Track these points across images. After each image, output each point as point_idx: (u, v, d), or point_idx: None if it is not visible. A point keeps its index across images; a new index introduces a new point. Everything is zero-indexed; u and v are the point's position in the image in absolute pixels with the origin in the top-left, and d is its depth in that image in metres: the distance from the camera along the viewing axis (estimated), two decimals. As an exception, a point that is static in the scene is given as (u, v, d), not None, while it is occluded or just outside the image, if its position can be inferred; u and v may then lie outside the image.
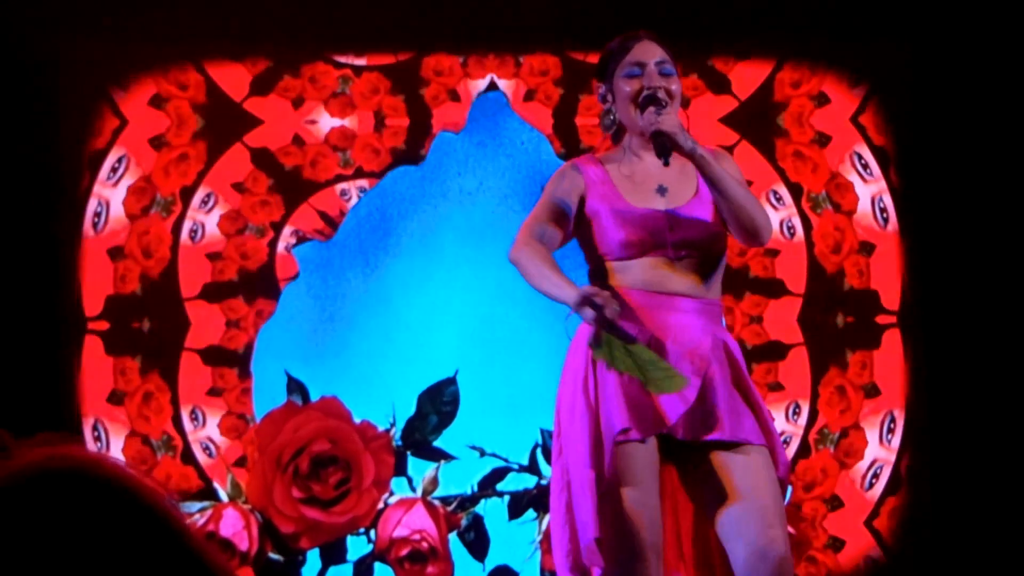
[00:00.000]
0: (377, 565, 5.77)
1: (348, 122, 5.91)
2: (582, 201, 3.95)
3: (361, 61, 5.93)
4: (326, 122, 5.91)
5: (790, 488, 3.94)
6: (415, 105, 5.92)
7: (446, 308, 5.84)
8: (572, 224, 3.95)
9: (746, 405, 3.83)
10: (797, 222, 5.99)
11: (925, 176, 5.97)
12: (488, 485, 5.81)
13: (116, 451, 5.78)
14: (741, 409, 3.81)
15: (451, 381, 5.82)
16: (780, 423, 5.84)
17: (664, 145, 3.77)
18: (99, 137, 5.81)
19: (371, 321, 5.84)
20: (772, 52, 5.99)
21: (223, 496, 5.75)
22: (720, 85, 5.98)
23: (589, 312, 3.64)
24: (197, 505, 5.73)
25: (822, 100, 6.00)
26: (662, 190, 3.93)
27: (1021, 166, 5.88)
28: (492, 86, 5.96)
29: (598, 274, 3.95)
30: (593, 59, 5.88)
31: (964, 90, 5.91)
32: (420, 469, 5.81)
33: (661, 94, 3.87)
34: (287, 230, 5.87)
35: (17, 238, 5.70)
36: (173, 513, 1.23)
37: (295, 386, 5.81)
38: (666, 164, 3.80)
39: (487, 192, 5.90)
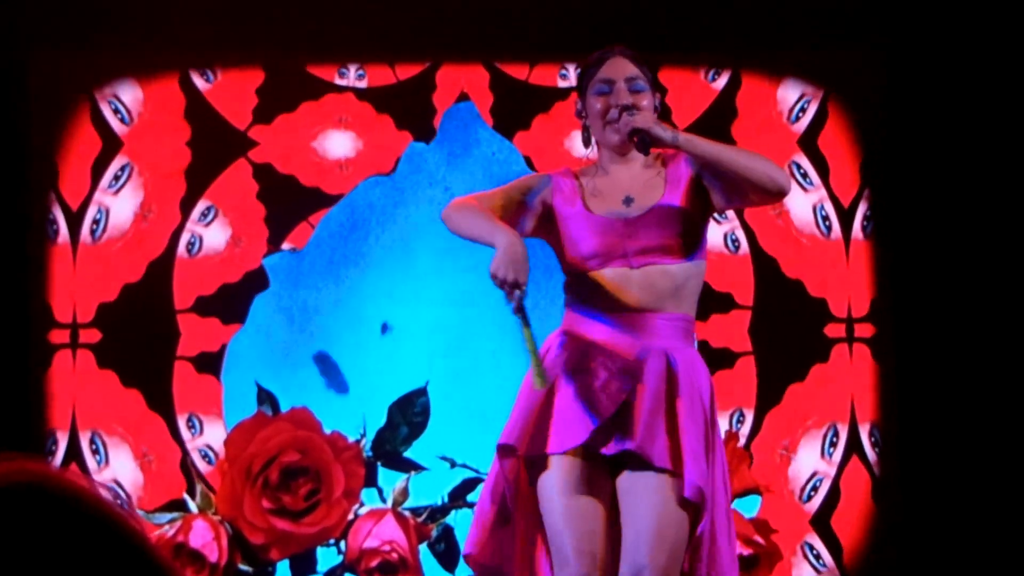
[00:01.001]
0: (347, 576, 5.77)
1: (352, 139, 5.92)
2: (548, 206, 3.95)
3: (362, 84, 5.93)
4: (332, 139, 5.91)
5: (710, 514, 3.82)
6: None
7: (417, 318, 5.83)
8: (527, 218, 3.94)
9: (667, 426, 3.76)
10: (741, 234, 6.00)
11: (892, 183, 5.99)
12: (459, 496, 5.81)
13: (116, 464, 5.76)
14: (658, 430, 3.75)
15: (422, 392, 5.82)
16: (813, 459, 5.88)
17: (644, 141, 3.78)
18: (98, 145, 5.80)
19: (341, 332, 5.84)
20: (724, 62, 6.01)
21: (192, 507, 5.74)
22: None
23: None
24: (167, 516, 5.71)
25: (760, 109, 6.02)
26: (628, 200, 3.92)
27: (988, 171, 5.91)
28: (463, 96, 5.97)
29: (571, 288, 3.96)
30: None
31: (923, 96, 5.94)
32: (390, 480, 5.81)
33: (633, 112, 3.89)
34: (286, 246, 5.88)
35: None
36: (134, 528, 1.23)
37: (265, 396, 5.80)
38: (645, 155, 3.83)
39: (458, 203, 5.90)
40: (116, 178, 5.84)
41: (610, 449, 3.75)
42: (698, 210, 3.91)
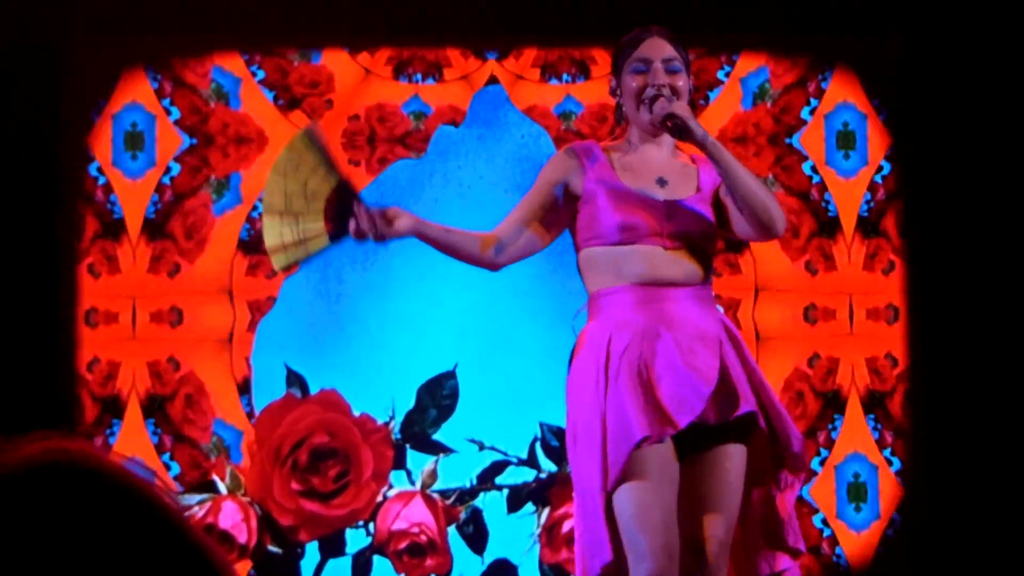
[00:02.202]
0: (376, 558, 5.77)
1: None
2: (570, 186, 3.94)
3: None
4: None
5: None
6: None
7: (446, 301, 5.83)
8: (549, 212, 3.95)
9: (752, 387, 3.83)
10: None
11: (918, 172, 5.97)
12: (487, 478, 5.81)
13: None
14: (751, 392, 3.81)
15: (450, 374, 5.82)
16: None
17: (677, 127, 3.79)
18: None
19: (371, 314, 5.84)
20: (740, 45, 5.99)
21: (222, 488, 5.75)
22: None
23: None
24: (196, 497, 5.73)
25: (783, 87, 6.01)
26: (662, 182, 3.92)
27: (1013, 158, 5.88)
28: (492, 80, 5.96)
29: (581, 277, 3.95)
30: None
31: (948, 83, 5.91)
32: (419, 462, 5.82)
33: (666, 92, 3.88)
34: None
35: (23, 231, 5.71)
36: (171, 506, 1.23)
37: (294, 379, 5.81)
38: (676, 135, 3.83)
39: (487, 186, 5.90)
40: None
41: (718, 417, 3.75)
42: (717, 217, 3.95)
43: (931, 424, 5.91)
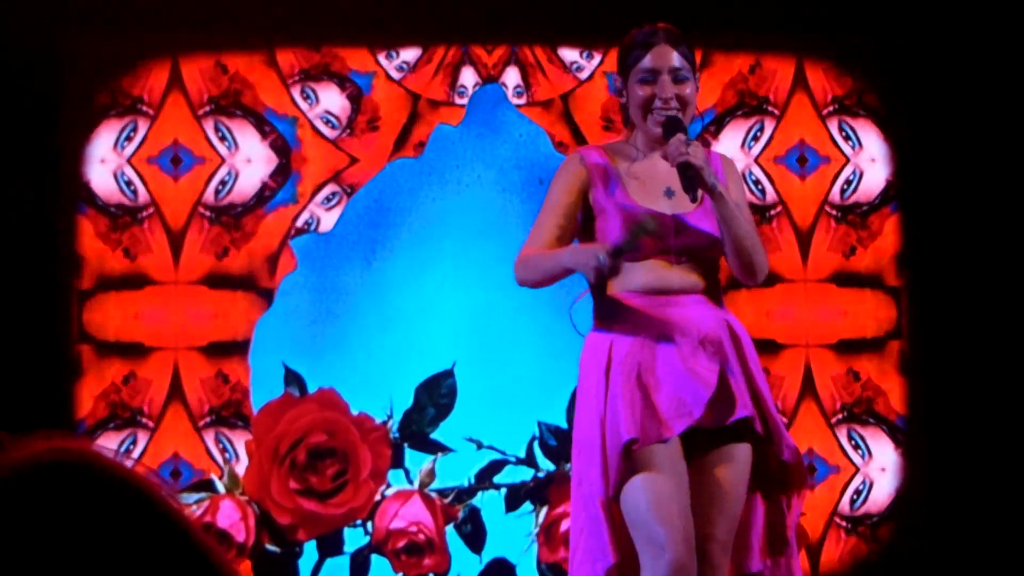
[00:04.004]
0: (374, 557, 5.78)
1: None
2: (585, 195, 3.95)
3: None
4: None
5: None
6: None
7: (444, 301, 5.84)
8: (576, 226, 3.96)
9: (751, 392, 3.85)
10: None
11: (922, 164, 5.98)
12: (485, 477, 5.82)
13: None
14: (749, 396, 3.83)
15: (448, 373, 5.83)
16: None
17: (690, 177, 3.78)
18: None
19: (369, 313, 5.85)
20: (746, 44, 6.00)
21: (220, 488, 5.76)
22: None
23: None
24: (194, 496, 5.73)
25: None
26: (669, 193, 3.94)
27: (1011, 159, 5.89)
28: (490, 79, 5.96)
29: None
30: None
31: (952, 83, 5.92)
32: (417, 461, 5.82)
33: (673, 104, 3.87)
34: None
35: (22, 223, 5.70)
36: (172, 505, 1.24)
37: (292, 378, 5.81)
38: (693, 200, 3.80)
39: (485, 185, 5.90)
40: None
41: (714, 421, 3.77)
42: None
43: (928, 426, 5.92)
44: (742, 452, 3.83)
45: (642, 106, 3.91)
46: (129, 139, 5.82)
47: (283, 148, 5.86)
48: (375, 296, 5.86)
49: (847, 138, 6.02)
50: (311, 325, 5.84)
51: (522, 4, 5.93)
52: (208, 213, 5.83)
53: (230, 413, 5.80)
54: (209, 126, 5.84)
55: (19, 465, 1.19)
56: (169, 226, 5.81)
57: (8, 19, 5.67)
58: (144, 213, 5.82)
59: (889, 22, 5.97)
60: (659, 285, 3.86)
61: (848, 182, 6.01)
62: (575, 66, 5.95)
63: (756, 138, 6.00)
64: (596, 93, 5.94)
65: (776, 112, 6.01)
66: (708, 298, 3.91)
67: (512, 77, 5.95)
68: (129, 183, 5.81)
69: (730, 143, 5.95)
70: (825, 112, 6.02)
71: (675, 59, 3.92)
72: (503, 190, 5.89)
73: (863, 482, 5.93)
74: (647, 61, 3.92)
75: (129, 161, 5.81)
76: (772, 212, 5.99)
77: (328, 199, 5.87)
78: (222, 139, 5.84)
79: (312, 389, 5.80)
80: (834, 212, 6.01)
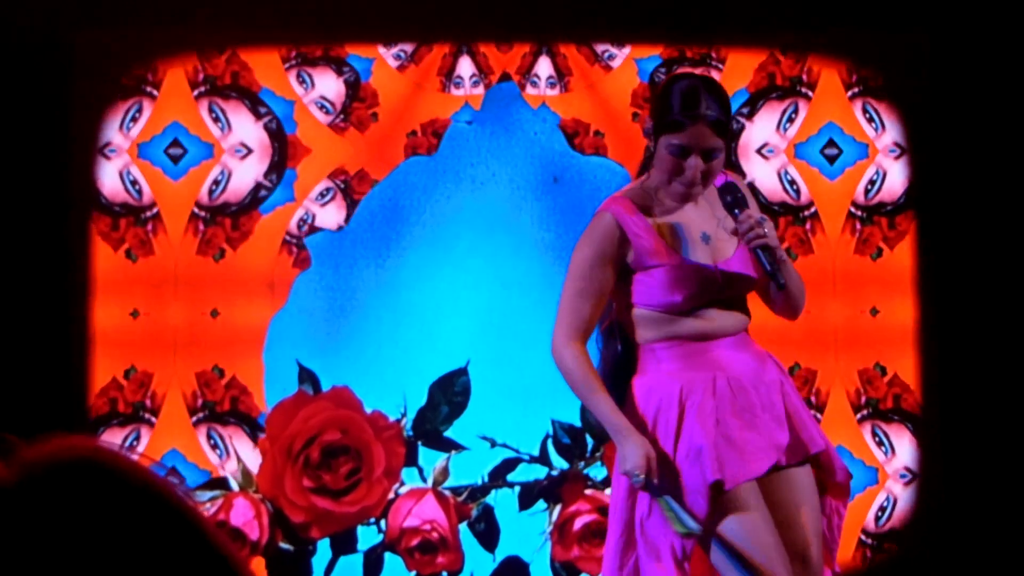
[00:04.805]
0: (387, 555, 5.78)
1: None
2: (620, 258, 3.92)
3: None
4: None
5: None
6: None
7: (458, 298, 5.83)
8: (610, 292, 3.96)
9: (807, 423, 3.97)
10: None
11: (935, 165, 5.96)
12: (499, 476, 5.81)
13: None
14: (812, 428, 3.97)
15: (462, 371, 5.82)
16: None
17: (768, 261, 3.83)
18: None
19: (382, 311, 5.84)
20: (760, 42, 5.98)
21: (234, 485, 5.76)
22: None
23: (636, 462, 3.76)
24: (208, 494, 5.73)
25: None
26: (706, 238, 3.95)
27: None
28: (505, 76, 5.95)
29: (624, 326, 3.98)
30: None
31: (966, 81, 5.90)
32: (431, 459, 5.82)
33: (699, 181, 3.87)
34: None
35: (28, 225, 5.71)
36: (188, 504, 1.23)
37: (306, 376, 5.81)
38: (779, 287, 3.88)
39: (500, 182, 5.90)
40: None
41: (793, 457, 3.88)
42: None
43: (942, 430, 5.91)
44: (808, 476, 3.94)
45: (669, 172, 3.87)
46: (134, 120, 5.82)
47: (277, 131, 5.85)
48: (389, 294, 5.85)
49: (870, 120, 5.99)
50: (325, 323, 5.84)
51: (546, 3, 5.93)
52: (203, 213, 5.82)
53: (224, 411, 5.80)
54: (204, 107, 5.84)
55: (33, 468, 1.19)
56: (167, 227, 5.81)
57: (17, 16, 5.67)
58: (147, 213, 5.82)
59: (902, 20, 5.95)
60: (708, 331, 3.90)
61: (872, 181, 5.98)
62: (607, 54, 5.92)
63: (791, 120, 5.96)
64: (626, 82, 5.91)
65: (810, 94, 5.97)
66: (748, 338, 3.98)
67: (544, 68, 5.93)
68: (135, 182, 5.81)
69: (766, 126, 5.94)
70: (850, 94, 5.98)
71: (710, 140, 3.83)
72: (517, 187, 5.88)
73: (887, 498, 5.90)
74: (681, 138, 3.83)
75: (132, 150, 5.80)
76: (805, 213, 5.97)
77: (322, 195, 5.86)
78: (215, 120, 5.84)
79: (326, 387, 5.80)
80: (860, 213, 5.98)
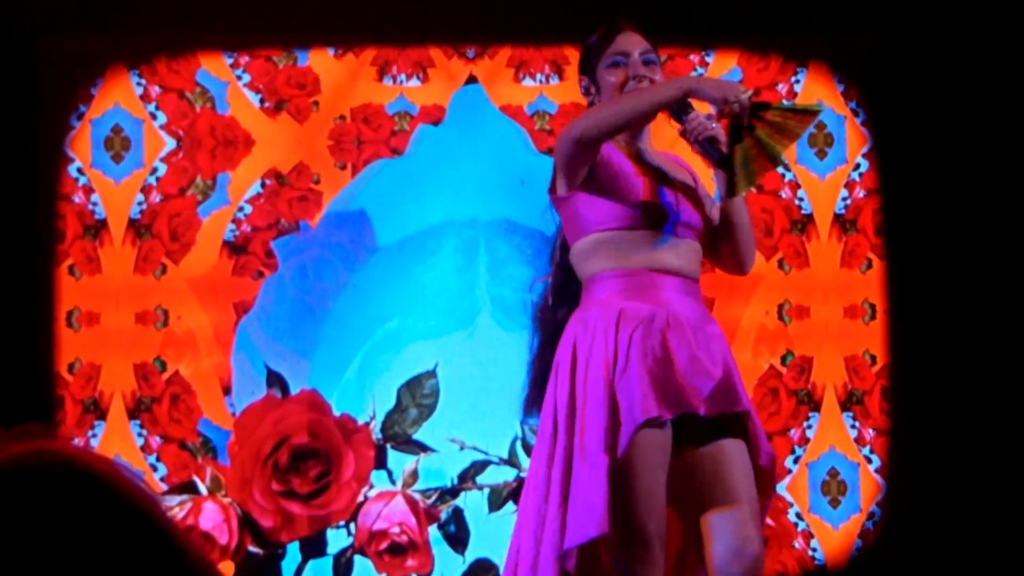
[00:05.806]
0: (357, 558, 5.77)
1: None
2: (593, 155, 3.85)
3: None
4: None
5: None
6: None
7: (426, 300, 5.83)
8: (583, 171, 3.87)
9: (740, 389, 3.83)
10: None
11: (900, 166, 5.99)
12: (468, 478, 5.82)
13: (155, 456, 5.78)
14: (743, 394, 3.82)
15: (431, 374, 5.82)
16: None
17: (716, 152, 3.74)
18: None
19: (350, 314, 5.84)
20: (717, 43, 5.99)
21: (203, 490, 5.75)
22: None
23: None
24: (177, 499, 5.72)
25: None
26: (662, 173, 3.92)
27: (988, 154, 5.90)
28: (471, 79, 5.96)
29: (575, 260, 3.92)
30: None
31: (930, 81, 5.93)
32: (400, 462, 5.82)
33: (645, 83, 3.86)
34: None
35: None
36: (156, 506, 1.23)
37: (274, 379, 5.80)
38: (730, 179, 3.77)
39: (467, 185, 5.90)
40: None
41: (716, 408, 3.72)
42: None
43: (911, 421, 5.93)
44: (740, 446, 3.78)
45: (617, 88, 3.87)
46: (85, 122, 5.82)
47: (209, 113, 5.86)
48: (357, 297, 5.85)
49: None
50: (293, 326, 5.84)
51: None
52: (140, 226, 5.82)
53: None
54: (139, 88, 5.84)
55: (2, 465, 1.19)
56: (114, 239, 5.81)
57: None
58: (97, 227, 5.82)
59: (864, 21, 5.98)
60: (657, 262, 3.81)
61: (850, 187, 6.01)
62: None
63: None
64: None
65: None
66: (695, 289, 3.88)
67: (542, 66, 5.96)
68: (89, 191, 5.81)
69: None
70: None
71: (643, 43, 3.92)
72: (485, 190, 5.89)
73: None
74: (616, 46, 3.91)
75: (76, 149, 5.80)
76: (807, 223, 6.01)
77: (259, 192, 5.85)
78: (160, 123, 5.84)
79: (294, 391, 5.80)
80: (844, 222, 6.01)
